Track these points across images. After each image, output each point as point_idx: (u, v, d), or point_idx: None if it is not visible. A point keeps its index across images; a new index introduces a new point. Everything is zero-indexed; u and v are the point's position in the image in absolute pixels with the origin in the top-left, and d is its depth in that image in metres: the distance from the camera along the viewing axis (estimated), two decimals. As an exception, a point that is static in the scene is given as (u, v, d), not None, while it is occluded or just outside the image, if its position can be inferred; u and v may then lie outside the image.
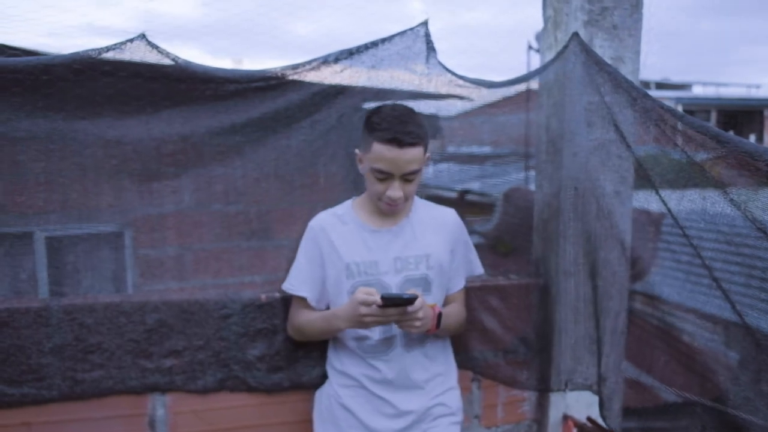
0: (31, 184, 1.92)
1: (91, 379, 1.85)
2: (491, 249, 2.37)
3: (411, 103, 2.25)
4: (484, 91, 2.19)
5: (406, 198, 1.71)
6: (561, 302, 2.13)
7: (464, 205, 2.67)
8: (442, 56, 2.11)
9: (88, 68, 1.77)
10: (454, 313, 1.87)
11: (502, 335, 2.12)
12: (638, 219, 2.00)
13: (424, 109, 2.19)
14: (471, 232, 1.96)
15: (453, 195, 2.77)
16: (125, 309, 1.86)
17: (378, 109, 1.69)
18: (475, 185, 2.70)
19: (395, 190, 1.67)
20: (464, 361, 2.09)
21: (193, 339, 1.91)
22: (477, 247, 1.94)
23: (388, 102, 1.72)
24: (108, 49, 1.76)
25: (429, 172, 2.36)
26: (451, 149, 2.38)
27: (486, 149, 2.48)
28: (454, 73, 2.13)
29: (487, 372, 2.12)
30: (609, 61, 2.05)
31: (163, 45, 1.80)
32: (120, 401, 1.88)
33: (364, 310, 1.60)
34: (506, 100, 2.23)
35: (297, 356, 1.99)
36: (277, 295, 1.94)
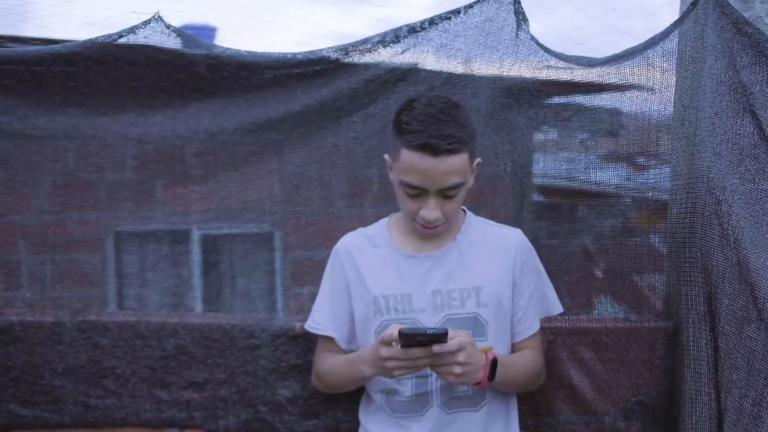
0: (191, 182, 1.87)
1: (104, 406, 1.65)
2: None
3: (580, 98, 1.79)
4: (669, 78, 1.64)
5: (447, 218, 1.29)
6: (692, 357, 1.55)
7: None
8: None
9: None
10: (523, 361, 1.39)
11: (601, 397, 1.59)
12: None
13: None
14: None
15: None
16: (141, 331, 1.64)
17: (410, 103, 1.29)
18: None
19: (430, 210, 1.26)
20: (548, 426, 1.60)
21: (215, 371, 1.64)
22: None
23: (425, 94, 1.30)
24: (120, 35, 1.55)
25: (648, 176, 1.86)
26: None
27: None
28: (548, 50, 1.65)
29: (577, 446, 1.60)
30: (773, 23, 1.45)
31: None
32: (134, 434, 1.66)
33: (384, 352, 1.21)
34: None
35: (336, 400, 1.63)
36: (315, 324, 1.60)
